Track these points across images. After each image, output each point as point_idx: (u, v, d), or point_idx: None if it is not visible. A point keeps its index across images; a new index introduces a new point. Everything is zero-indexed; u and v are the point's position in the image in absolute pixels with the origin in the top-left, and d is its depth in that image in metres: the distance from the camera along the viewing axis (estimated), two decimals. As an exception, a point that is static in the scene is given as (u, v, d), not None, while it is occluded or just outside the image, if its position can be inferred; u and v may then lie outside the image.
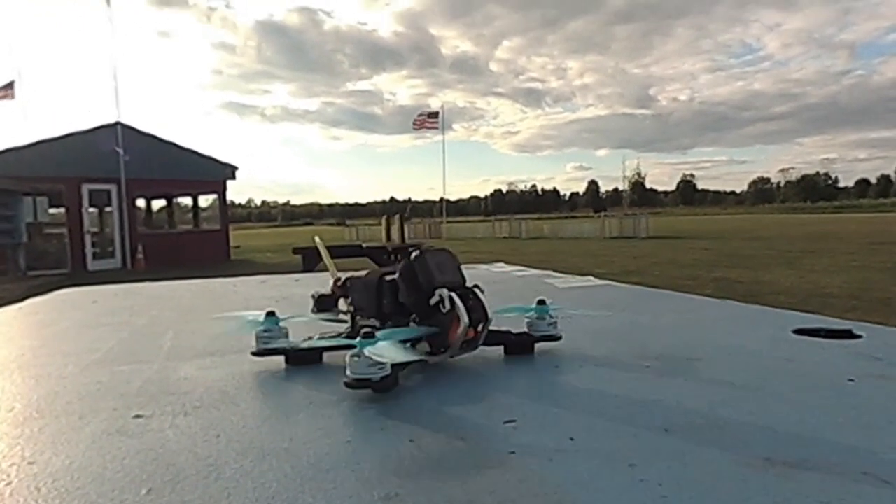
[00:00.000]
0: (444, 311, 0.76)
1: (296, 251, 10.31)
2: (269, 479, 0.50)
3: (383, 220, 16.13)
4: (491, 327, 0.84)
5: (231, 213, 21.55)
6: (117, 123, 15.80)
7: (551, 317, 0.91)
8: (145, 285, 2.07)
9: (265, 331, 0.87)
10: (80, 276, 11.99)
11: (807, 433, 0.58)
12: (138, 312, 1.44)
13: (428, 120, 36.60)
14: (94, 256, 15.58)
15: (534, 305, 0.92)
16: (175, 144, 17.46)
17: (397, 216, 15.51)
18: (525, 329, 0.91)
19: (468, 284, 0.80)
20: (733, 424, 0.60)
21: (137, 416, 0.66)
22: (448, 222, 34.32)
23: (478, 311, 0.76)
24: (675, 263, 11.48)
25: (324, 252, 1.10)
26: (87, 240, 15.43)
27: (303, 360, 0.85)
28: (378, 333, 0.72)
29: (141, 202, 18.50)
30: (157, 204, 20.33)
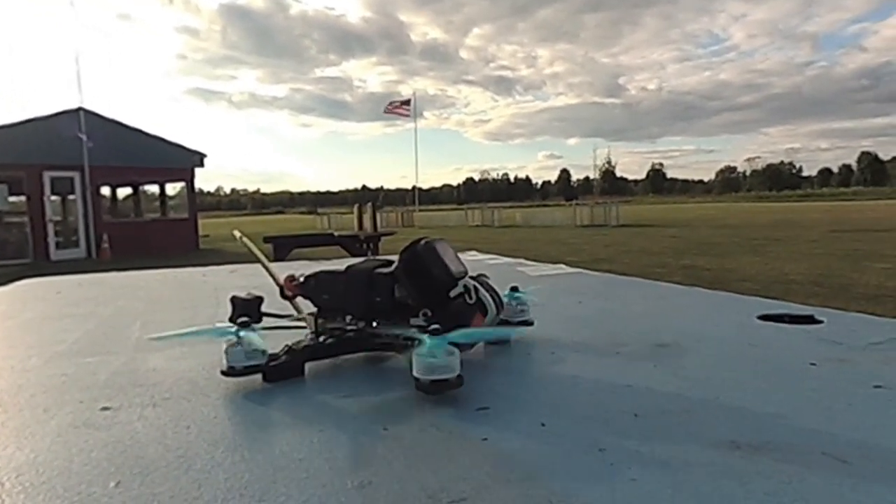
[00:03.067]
0: (470, 301, 0.73)
1: (267, 240, 10.19)
2: (241, 469, 0.50)
3: (355, 209, 16.03)
4: None
5: (200, 202, 21.15)
6: (80, 109, 15.36)
7: (524, 303, 0.91)
8: (111, 275, 2.03)
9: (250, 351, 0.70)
10: (43, 266, 11.68)
11: (770, 416, 0.60)
12: (104, 303, 1.41)
13: (399, 107, 36.43)
14: (58, 246, 15.17)
15: (507, 292, 0.91)
16: (141, 131, 17.05)
17: (369, 205, 15.44)
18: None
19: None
20: (700, 408, 0.62)
21: (105, 409, 0.65)
22: (420, 211, 34.26)
23: (497, 299, 0.75)
24: (644, 251, 11.65)
25: (256, 252, 0.96)
26: (50, 229, 15.01)
27: (283, 373, 0.73)
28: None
29: (106, 190, 18.06)
30: (123, 192, 19.88)
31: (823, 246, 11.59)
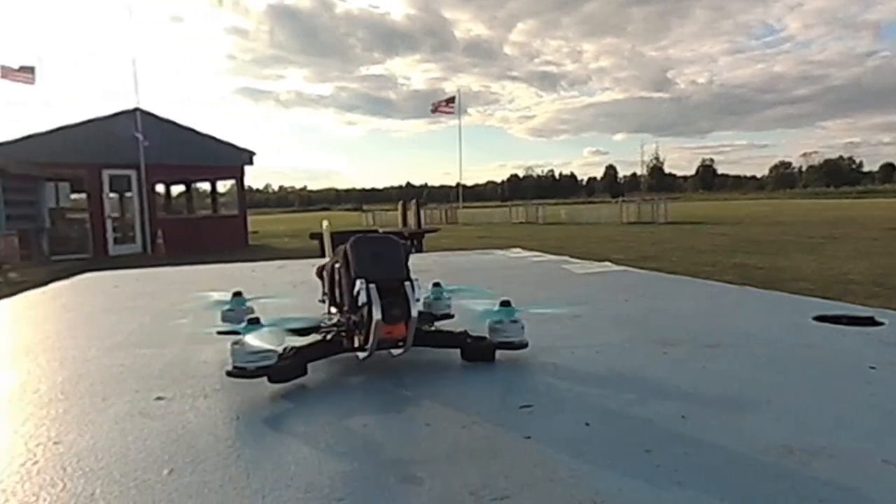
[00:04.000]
0: (359, 303, 0.69)
1: (313, 236, 10.35)
2: (288, 460, 0.51)
3: (400, 206, 16.13)
4: (447, 327, 0.81)
5: (249, 199, 21.64)
6: (136, 109, 15.94)
7: (517, 320, 0.78)
8: (165, 270, 2.10)
9: (229, 310, 0.86)
10: (102, 261, 12.17)
11: (826, 420, 0.57)
12: (159, 297, 1.46)
13: (444, 105, 36.56)
14: (115, 241, 15.79)
15: (497, 307, 0.78)
16: (193, 130, 17.57)
17: (414, 201, 15.52)
18: (486, 333, 0.78)
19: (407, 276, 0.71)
20: (752, 411, 0.60)
21: (159, 398, 0.68)
22: (464, 207, 34.22)
23: (399, 307, 0.68)
24: (693, 249, 11.36)
25: (327, 238, 1.05)
26: (108, 225, 15.64)
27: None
28: (264, 320, 0.68)
29: (160, 187, 18.68)
30: (176, 189, 20.54)
31: (885, 244, 11.08)
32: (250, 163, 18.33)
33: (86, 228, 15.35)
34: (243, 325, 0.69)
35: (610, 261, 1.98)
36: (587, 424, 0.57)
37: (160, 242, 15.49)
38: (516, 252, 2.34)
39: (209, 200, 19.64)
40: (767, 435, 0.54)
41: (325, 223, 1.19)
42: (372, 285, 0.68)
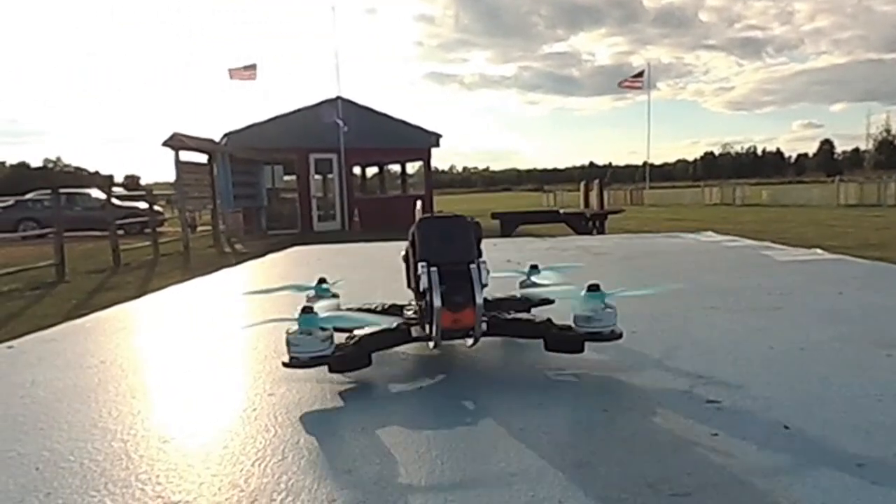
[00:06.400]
0: (420, 289, 0.65)
1: (494, 216, 10.56)
2: (463, 432, 0.54)
3: (581, 186, 15.78)
4: (525, 315, 0.75)
5: (435, 180, 22.66)
6: (338, 98, 17.40)
7: (608, 308, 0.67)
8: (361, 245, 2.29)
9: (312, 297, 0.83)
10: (308, 236, 13.57)
11: None
12: (355, 270, 1.60)
13: (632, 81, 34.92)
14: (319, 218, 17.49)
15: (583, 292, 0.69)
16: (387, 115, 18.74)
17: (596, 181, 15.06)
18: (571, 322, 0.69)
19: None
20: None
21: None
22: (651, 188, 32.48)
23: (461, 293, 0.63)
24: (932, 237, 9.65)
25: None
26: (314, 204, 17.36)
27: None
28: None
29: (357, 169, 20.26)
30: (371, 171, 22.15)
31: None
32: (437, 145, 19.11)
33: (295, 207, 17.18)
34: (296, 315, 0.66)
35: (821, 248, 1.76)
36: (786, 427, 0.52)
37: (356, 220, 16.85)
38: (708, 236, 2.18)
39: (399, 181, 20.90)
40: None
41: (418, 203, 1.12)
42: (433, 268, 0.64)
